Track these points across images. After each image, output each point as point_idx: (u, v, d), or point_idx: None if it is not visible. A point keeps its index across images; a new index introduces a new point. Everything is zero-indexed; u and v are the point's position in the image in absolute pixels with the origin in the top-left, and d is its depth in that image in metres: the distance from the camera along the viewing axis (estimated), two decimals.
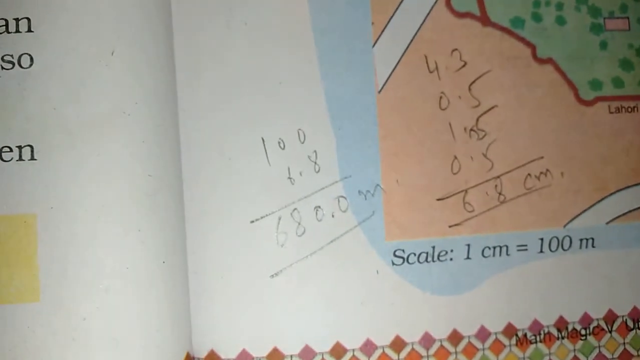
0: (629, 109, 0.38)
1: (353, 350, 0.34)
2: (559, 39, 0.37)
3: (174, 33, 0.33)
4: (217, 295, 0.33)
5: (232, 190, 0.33)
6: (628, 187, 0.37)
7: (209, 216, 0.33)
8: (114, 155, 0.30)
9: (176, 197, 0.32)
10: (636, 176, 0.37)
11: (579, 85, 0.37)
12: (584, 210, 0.37)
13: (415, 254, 0.35)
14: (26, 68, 0.29)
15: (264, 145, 0.34)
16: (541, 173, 0.36)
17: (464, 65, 0.36)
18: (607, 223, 0.37)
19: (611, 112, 0.37)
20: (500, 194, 0.36)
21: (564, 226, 0.37)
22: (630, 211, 0.37)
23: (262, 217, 0.33)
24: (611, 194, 0.37)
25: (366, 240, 0.34)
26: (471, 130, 0.36)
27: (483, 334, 0.35)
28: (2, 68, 0.29)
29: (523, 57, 0.37)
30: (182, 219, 0.32)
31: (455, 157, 0.35)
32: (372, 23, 0.35)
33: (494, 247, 0.36)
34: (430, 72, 0.35)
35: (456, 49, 0.36)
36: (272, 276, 0.33)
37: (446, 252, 0.35)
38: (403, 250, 0.35)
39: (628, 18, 0.38)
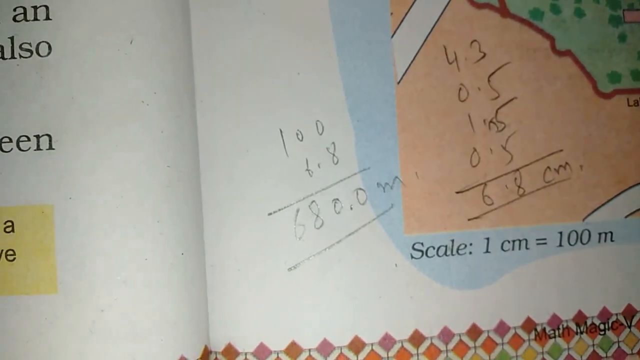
0: None
1: (372, 344, 0.34)
2: (578, 31, 0.37)
3: (191, 23, 0.32)
4: (235, 288, 0.33)
5: (250, 182, 0.33)
6: None
7: (226, 208, 0.33)
8: (133, 146, 0.29)
9: (194, 189, 0.32)
10: None
11: (598, 77, 0.37)
12: (603, 204, 0.37)
13: (434, 248, 0.35)
14: (44, 56, 0.29)
15: (282, 136, 0.33)
16: (560, 166, 0.36)
17: (483, 57, 0.36)
18: (626, 217, 0.37)
19: (630, 105, 0.37)
20: (519, 187, 0.36)
21: (583, 220, 0.36)
22: None
23: (279, 210, 0.33)
24: (630, 187, 0.37)
25: (385, 233, 0.34)
26: (490, 122, 0.35)
27: (502, 328, 0.35)
28: (20, 56, 0.29)
29: (542, 49, 0.37)
30: (199, 210, 0.32)
31: (475, 150, 0.35)
32: (391, 13, 0.35)
33: (513, 241, 0.35)
34: (450, 63, 0.35)
35: (475, 40, 0.36)
36: (290, 269, 0.33)
37: (465, 246, 0.35)
38: (422, 244, 0.34)
39: None
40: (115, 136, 0.29)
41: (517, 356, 0.35)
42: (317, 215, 0.33)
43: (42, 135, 0.29)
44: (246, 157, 0.33)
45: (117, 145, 0.29)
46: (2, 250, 0.29)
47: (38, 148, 0.29)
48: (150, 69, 0.30)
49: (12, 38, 0.29)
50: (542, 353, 0.36)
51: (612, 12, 0.38)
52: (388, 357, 0.34)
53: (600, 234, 0.37)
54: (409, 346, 0.34)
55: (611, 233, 0.37)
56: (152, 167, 0.30)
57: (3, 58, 0.29)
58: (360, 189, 0.34)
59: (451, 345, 0.35)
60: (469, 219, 0.35)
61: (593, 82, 0.37)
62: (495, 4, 0.36)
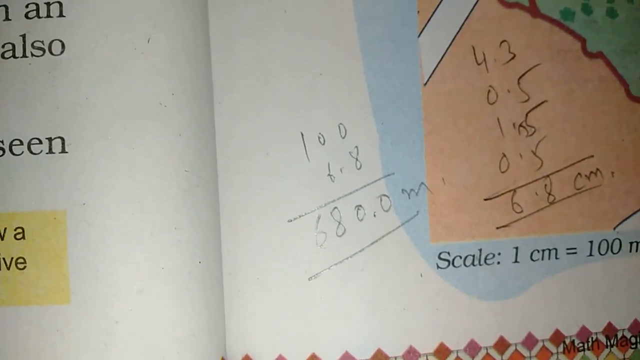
0: None
1: (395, 357, 0.32)
2: (610, 32, 0.36)
3: (209, 21, 0.31)
4: (253, 297, 0.31)
5: (269, 187, 0.32)
6: None
7: (245, 214, 0.31)
8: (150, 149, 0.28)
9: (212, 194, 0.30)
10: None
11: (630, 81, 0.36)
12: (635, 212, 0.35)
13: (461, 257, 0.33)
14: (57, 55, 0.28)
15: (303, 140, 0.32)
16: (591, 172, 0.35)
17: (512, 58, 0.34)
18: None
19: None
20: (549, 194, 0.34)
21: (614, 228, 0.35)
22: None
23: (300, 216, 0.32)
24: None
25: (410, 241, 0.33)
26: (520, 126, 0.34)
27: (530, 341, 0.34)
28: (32, 55, 0.28)
29: (573, 51, 0.35)
30: (217, 216, 0.31)
31: (504, 155, 0.34)
32: (418, 12, 0.33)
33: (543, 250, 0.34)
34: (478, 64, 0.34)
35: (505, 41, 0.34)
36: (311, 278, 0.32)
37: (493, 255, 0.33)
38: (448, 253, 0.33)
39: None
40: (131, 139, 0.28)
41: None
42: (339, 223, 0.32)
43: (55, 138, 0.28)
44: (266, 161, 0.32)
45: (133, 149, 0.28)
46: (12, 258, 0.27)
47: (50, 151, 0.28)
48: (167, 69, 0.29)
49: (23, 36, 0.28)
50: None
51: None
52: None
53: (631, 243, 0.35)
54: None
55: None
56: (170, 172, 0.29)
57: (14, 57, 0.28)
58: (385, 195, 0.33)
59: (478, 359, 0.33)
60: (497, 227, 0.34)
61: (625, 85, 0.36)
62: (526, 3, 0.35)
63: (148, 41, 0.28)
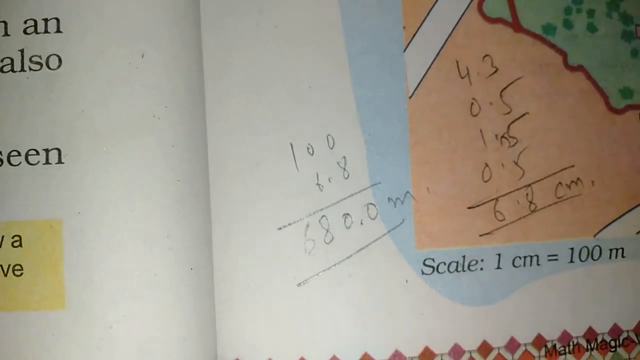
0: None
1: None
2: (590, 46, 0.37)
3: (202, 36, 0.32)
4: (243, 303, 0.32)
5: (260, 196, 0.32)
6: None
7: (236, 222, 0.32)
8: (144, 160, 0.29)
9: (204, 203, 0.31)
10: None
11: (610, 93, 0.37)
12: (615, 220, 0.36)
13: (445, 264, 0.34)
14: (54, 69, 0.29)
15: (293, 150, 0.33)
16: (572, 182, 0.36)
17: (495, 72, 0.35)
18: (638, 233, 0.36)
19: None
20: (531, 202, 0.35)
21: (594, 236, 0.36)
22: None
23: (289, 224, 0.33)
24: None
25: (396, 248, 0.33)
26: (502, 137, 0.35)
27: (513, 345, 0.35)
28: (30, 69, 0.28)
29: (554, 64, 0.36)
30: (208, 225, 0.32)
31: (487, 165, 0.35)
32: (404, 27, 0.34)
33: (525, 257, 0.35)
34: (462, 77, 0.35)
35: (488, 55, 0.35)
36: (300, 284, 0.33)
37: (477, 262, 0.34)
38: (433, 260, 0.34)
39: None
40: (126, 150, 0.29)
41: None
42: (327, 230, 0.33)
43: (51, 149, 0.29)
44: (256, 171, 0.32)
45: (128, 160, 0.29)
46: (9, 265, 0.28)
47: (47, 162, 0.29)
48: (161, 83, 0.29)
49: (22, 51, 0.28)
50: None
51: (625, 28, 0.37)
52: None
53: (611, 250, 0.36)
54: None
55: (622, 249, 0.36)
56: (163, 182, 0.29)
57: (13, 71, 0.28)
58: (371, 203, 0.33)
59: None
60: (480, 235, 0.34)
61: (605, 97, 0.37)
62: (508, 18, 0.36)
63: (142, 56, 0.29)
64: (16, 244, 0.28)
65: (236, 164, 0.32)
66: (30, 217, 0.28)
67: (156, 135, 0.29)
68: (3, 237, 0.28)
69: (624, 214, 0.36)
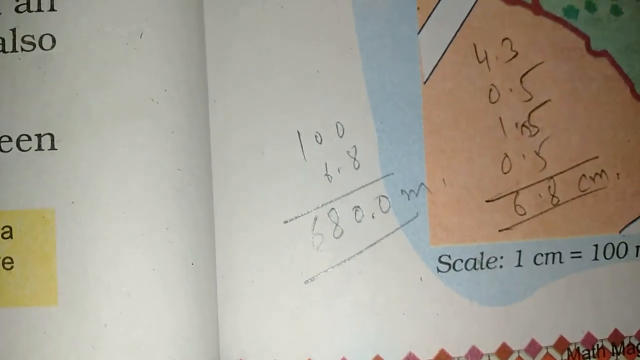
0: None
1: None
2: (614, 30, 0.36)
3: (204, 16, 0.31)
4: (247, 301, 0.32)
5: (265, 187, 0.32)
6: None
7: (240, 215, 0.32)
8: (141, 146, 0.28)
9: (205, 193, 0.31)
10: None
11: (636, 79, 0.36)
12: None
13: (462, 260, 0.33)
14: (47, 50, 0.28)
15: (300, 139, 0.32)
16: (596, 174, 0.35)
17: (515, 56, 0.35)
18: None
19: None
20: (553, 196, 0.34)
21: (620, 232, 0.35)
22: None
23: (296, 217, 0.32)
24: None
25: (409, 244, 0.33)
26: (523, 126, 0.34)
27: (533, 348, 0.34)
28: (22, 49, 0.28)
29: (576, 49, 0.35)
30: (211, 217, 0.31)
31: (506, 155, 0.34)
32: (418, 8, 0.34)
33: (547, 254, 0.34)
34: (480, 62, 0.34)
35: (507, 38, 0.34)
36: (307, 282, 0.32)
37: (496, 259, 0.34)
38: (449, 256, 0.33)
39: None
40: (122, 136, 0.28)
41: None
42: (337, 224, 0.32)
43: (44, 135, 0.28)
44: (261, 161, 0.32)
45: (124, 146, 0.28)
46: None
47: (39, 148, 0.28)
48: (160, 65, 0.29)
49: (13, 30, 0.28)
50: None
51: None
52: None
53: (638, 247, 0.35)
54: None
55: None
56: (162, 170, 0.29)
57: (4, 51, 0.28)
58: (383, 196, 0.33)
59: None
60: (499, 230, 0.34)
61: (630, 84, 0.36)
62: (528, 0, 0.35)
63: (140, 36, 0.29)
64: (6, 235, 0.28)
65: (240, 153, 0.32)
66: (21, 207, 0.28)
67: (155, 120, 0.29)
68: None
69: None
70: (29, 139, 0.28)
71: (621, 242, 0.35)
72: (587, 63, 0.36)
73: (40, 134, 0.28)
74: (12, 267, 0.28)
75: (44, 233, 0.28)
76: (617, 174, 0.35)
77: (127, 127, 0.28)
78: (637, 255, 0.35)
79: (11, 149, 0.28)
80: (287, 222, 0.32)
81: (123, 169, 0.28)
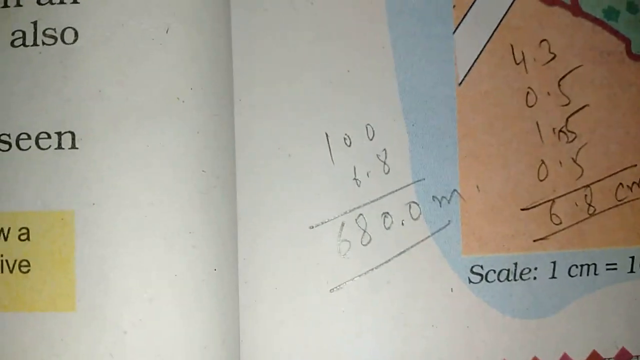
0: None
1: None
2: None
3: (231, 12, 0.31)
4: (270, 309, 0.32)
5: (291, 191, 0.32)
6: None
7: (264, 219, 0.32)
8: (165, 147, 0.28)
9: (229, 197, 0.30)
10: None
11: None
12: None
13: (495, 271, 0.33)
14: (70, 44, 0.28)
15: (328, 141, 0.32)
16: (634, 183, 0.35)
17: (553, 58, 0.34)
18: None
19: None
20: (590, 205, 0.34)
21: None
22: None
23: (322, 223, 0.32)
24: None
25: (440, 253, 0.33)
26: (560, 131, 0.34)
27: None
28: (44, 43, 0.28)
29: (616, 53, 0.35)
30: (234, 221, 0.31)
31: (543, 162, 0.34)
32: (454, 6, 0.33)
33: (582, 265, 0.34)
34: (517, 64, 0.34)
35: (545, 40, 0.34)
36: (332, 290, 0.32)
37: (529, 270, 0.34)
38: (481, 267, 0.33)
39: None
40: (146, 136, 0.28)
41: None
42: (365, 231, 0.32)
43: (64, 133, 0.28)
44: (287, 163, 0.32)
45: (148, 146, 0.28)
46: (15, 261, 0.28)
47: (59, 147, 0.28)
48: (186, 62, 0.29)
49: (35, 23, 0.28)
50: None
51: None
52: None
53: None
54: None
55: None
56: (186, 172, 0.29)
57: (25, 45, 0.28)
58: (414, 202, 0.33)
59: None
60: (534, 240, 0.34)
61: None
62: (567, 1, 0.35)
63: (167, 32, 0.28)
64: (23, 237, 0.28)
65: (266, 155, 0.32)
66: (39, 208, 0.28)
67: (180, 119, 0.28)
68: (9, 229, 0.28)
69: None
70: (49, 137, 0.28)
71: None
72: (627, 67, 0.35)
73: (60, 132, 0.28)
74: (28, 271, 0.28)
75: (63, 236, 0.28)
76: None
77: (151, 126, 0.28)
78: None
79: (30, 147, 0.28)
80: (312, 227, 0.32)
81: (146, 169, 0.28)
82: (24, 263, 0.28)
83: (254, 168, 0.32)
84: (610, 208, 0.35)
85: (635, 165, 0.35)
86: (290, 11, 0.32)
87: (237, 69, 0.31)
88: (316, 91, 0.32)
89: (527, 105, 0.34)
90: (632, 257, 0.35)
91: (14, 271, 0.28)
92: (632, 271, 0.35)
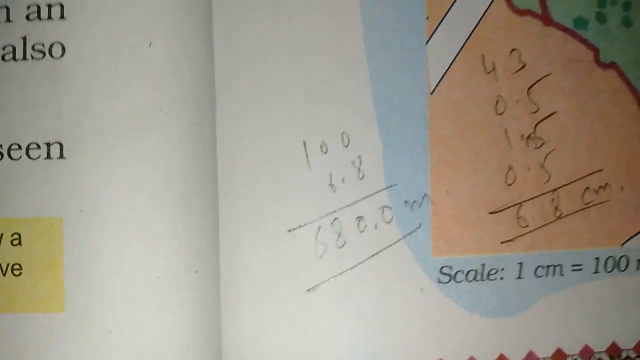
0: None
1: None
2: (625, 42, 0.38)
3: (213, 24, 0.33)
4: (250, 309, 0.34)
5: (270, 196, 0.34)
6: None
7: (244, 224, 0.34)
8: (150, 156, 0.31)
9: (211, 202, 0.33)
10: None
11: None
12: None
13: (463, 272, 0.36)
14: (57, 58, 0.30)
15: (305, 148, 0.35)
16: (600, 187, 0.38)
17: (523, 67, 0.37)
18: None
19: None
20: (556, 208, 0.37)
21: (622, 245, 0.38)
22: None
23: (300, 226, 0.34)
24: None
25: (411, 255, 0.35)
26: (528, 137, 0.37)
27: (531, 359, 0.37)
28: (32, 57, 0.30)
29: (585, 61, 0.38)
30: (215, 225, 0.33)
31: (511, 167, 0.36)
32: (427, 17, 0.36)
33: (548, 266, 0.37)
34: (487, 73, 0.36)
35: (515, 49, 0.37)
36: (309, 290, 0.35)
37: (497, 271, 0.36)
38: (450, 267, 0.36)
39: None
40: (131, 145, 0.30)
41: None
42: (340, 234, 0.35)
43: (53, 143, 0.30)
44: (267, 170, 0.34)
45: (133, 156, 0.30)
46: (8, 264, 0.30)
47: (48, 156, 0.30)
48: (169, 75, 0.31)
49: (24, 38, 0.30)
50: None
51: None
52: None
53: (639, 260, 0.38)
54: None
55: None
56: (169, 179, 0.31)
57: (15, 59, 0.30)
58: (387, 206, 0.35)
59: None
60: (502, 242, 0.36)
61: (638, 97, 0.38)
62: (537, 10, 0.37)
63: (149, 46, 0.31)
64: (15, 242, 0.30)
65: (246, 162, 0.34)
66: (30, 215, 0.30)
67: (164, 130, 0.31)
68: (2, 234, 0.30)
69: None
70: (38, 147, 0.30)
71: (623, 256, 0.38)
72: (595, 75, 0.38)
73: (49, 143, 0.30)
74: (20, 274, 0.30)
75: (52, 241, 0.30)
76: (621, 187, 0.38)
77: (135, 136, 0.31)
78: (638, 269, 0.38)
79: (20, 157, 0.30)
80: (290, 230, 0.34)
81: (131, 178, 0.30)
82: (17, 267, 0.30)
83: (235, 174, 0.34)
84: (576, 211, 0.37)
85: (602, 170, 0.38)
86: (270, 24, 0.34)
87: (219, 79, 0.34)
88: (295, 101, 0.34)
89: (497, 113, 0.36)
90: (597, 259, 0.38)
91: (6, 274, 0.30)
92: (596, 272, 0.38)
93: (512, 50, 0.37)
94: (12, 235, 0.30)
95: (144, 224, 0.31)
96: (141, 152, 0.31)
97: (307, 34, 0.34)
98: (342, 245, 0.35)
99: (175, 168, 0.31)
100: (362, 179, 0.35)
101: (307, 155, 0.34)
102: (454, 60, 0.36)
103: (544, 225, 0.37)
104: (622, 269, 0.38)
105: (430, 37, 0.36)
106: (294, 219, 0.34)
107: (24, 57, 0.30)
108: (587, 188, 0.37)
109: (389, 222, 0.35)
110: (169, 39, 0.31)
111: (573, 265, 0.37)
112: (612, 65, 0.38)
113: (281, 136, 0.34)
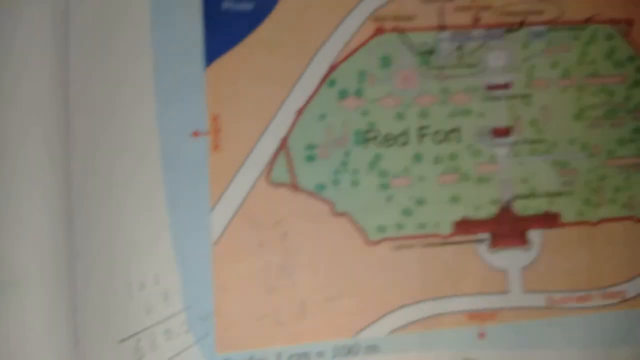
0: (408, 246, 0.59)
1: None
2: (353, 196, 0.59)
3: None
4: None
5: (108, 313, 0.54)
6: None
7: (78, 333, 0.53)
8: None
9: None
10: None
11: (367, 230, 0.59)
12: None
13: None
14: None
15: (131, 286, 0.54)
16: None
17: (279, 222, 0.57)
18: (390, 333, 0.57)
19: (393, 250, 0.59)
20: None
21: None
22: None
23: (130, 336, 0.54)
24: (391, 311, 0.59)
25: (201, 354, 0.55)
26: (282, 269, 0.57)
27: None
28: None
29: (324, 212, 0.58)
30: None
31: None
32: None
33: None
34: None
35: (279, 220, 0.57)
36: None
37: None
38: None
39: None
40: None
41: None
42: (154, 343, 0.54)
43: None
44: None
45: None
46: None
47: None
48: None
49: None
50: None
51: (381, 180, 0.59)
52: None
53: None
54: None
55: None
56: None
57: None
58: (184, 322, 0.55)
59: None
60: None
61: (364, 234, 0.59)
62: (289, 182, 0.57)
63: None
64: None
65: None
66: None
67: None
68: None
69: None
70: None
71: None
72: (332, 221, 0.58)
73: None
74: None
75: None
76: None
77: None
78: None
79: None
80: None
81: None
82: None
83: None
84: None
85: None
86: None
87: None
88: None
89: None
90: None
91: None
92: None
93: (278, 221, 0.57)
94: None
95: None
96: None
97: None
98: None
99: None
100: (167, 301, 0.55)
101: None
102: (229, 222, 0.56)
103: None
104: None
105: (214, 207, 0.56)
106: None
107: None
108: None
109: (187, 333, 0.55)
110: None
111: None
112: (344, 214, 0.58)
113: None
